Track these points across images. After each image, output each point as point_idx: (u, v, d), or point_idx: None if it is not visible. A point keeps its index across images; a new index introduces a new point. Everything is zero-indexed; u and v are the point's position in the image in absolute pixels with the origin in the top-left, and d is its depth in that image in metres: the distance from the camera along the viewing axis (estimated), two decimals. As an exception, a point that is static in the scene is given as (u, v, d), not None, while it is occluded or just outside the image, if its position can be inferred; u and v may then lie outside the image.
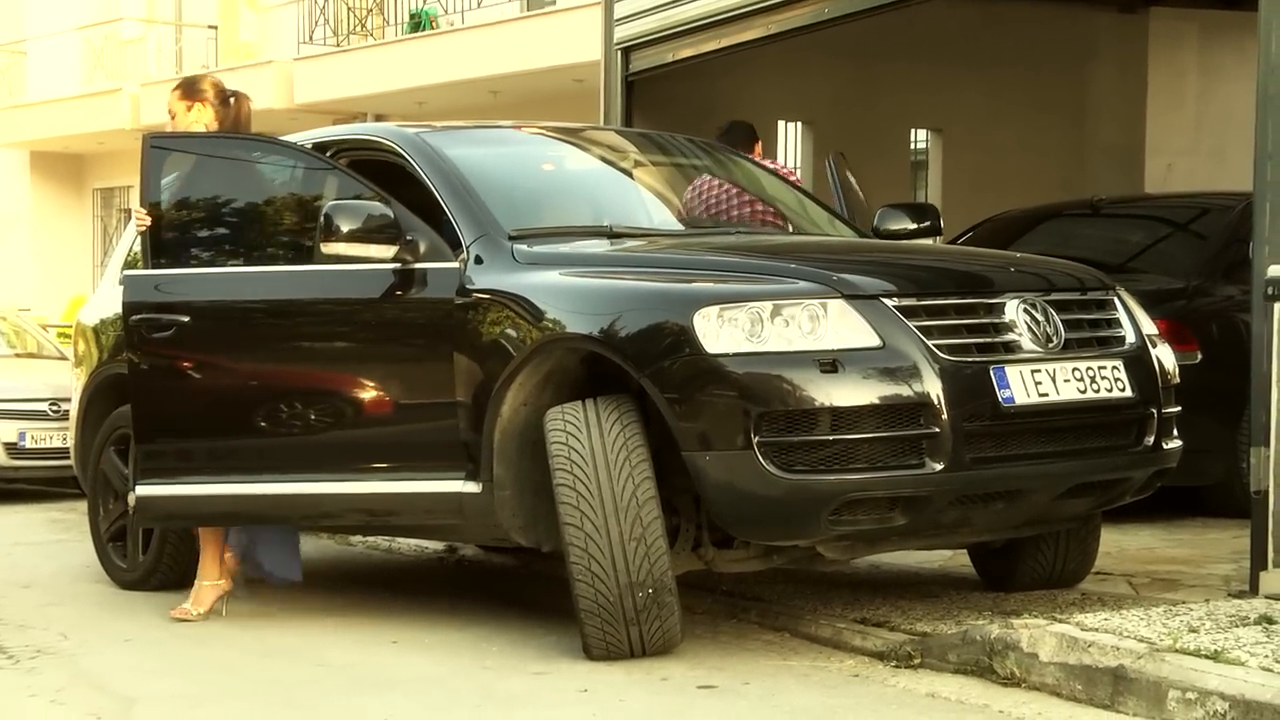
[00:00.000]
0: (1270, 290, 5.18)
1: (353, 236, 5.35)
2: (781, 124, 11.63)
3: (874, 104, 11.35)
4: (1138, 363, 5.09)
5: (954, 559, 6.24)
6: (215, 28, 21.95)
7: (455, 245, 5.45)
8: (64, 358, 11.50)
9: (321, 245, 5.41)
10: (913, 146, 12.66)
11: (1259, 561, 5.16)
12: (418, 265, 5.45)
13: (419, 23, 17.39)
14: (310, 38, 19.12)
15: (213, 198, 6.21)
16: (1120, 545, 6.47)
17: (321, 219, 5.40)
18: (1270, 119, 5.26)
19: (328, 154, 6.06)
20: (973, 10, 10.82)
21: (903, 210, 6.26)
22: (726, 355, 4.64)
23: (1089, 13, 11.66)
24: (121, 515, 6.61)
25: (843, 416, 4.58)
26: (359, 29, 18.90)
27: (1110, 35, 12.00)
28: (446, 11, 17.13)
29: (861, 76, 11.14)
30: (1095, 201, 8.47)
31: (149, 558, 6.46)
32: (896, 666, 4.70)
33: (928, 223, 6.22)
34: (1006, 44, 11.53)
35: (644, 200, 6.41)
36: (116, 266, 7.29)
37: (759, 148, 7.91)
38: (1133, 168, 11.85)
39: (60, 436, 10.23)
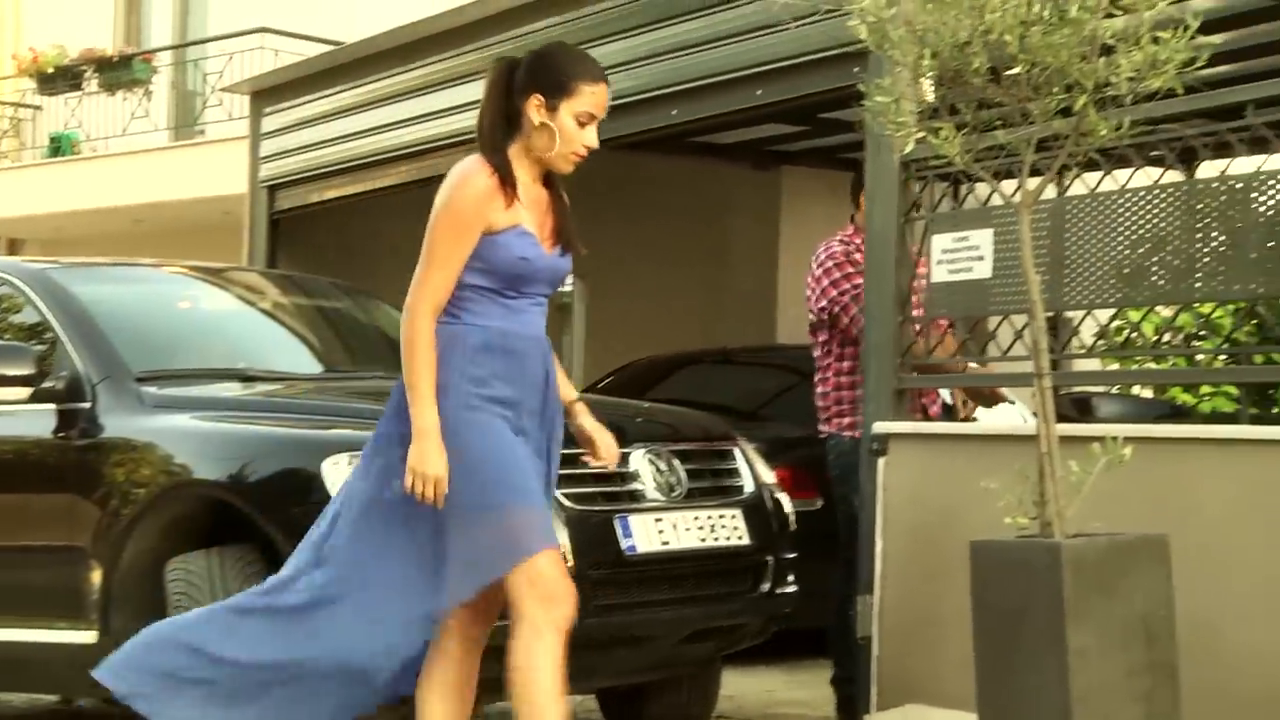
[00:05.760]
0: (875, 445, 5.51)
1: None
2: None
3: (518, 249, 11.50)
4: (755, 511, 5.30)
5: (583, 703, 6.31)
6: None
7: (80, 386, 5.32)
8: None
9: None
10: (558, 291, 12.88)
11: (864, 705, 5.41)
12: (40, 406, 5.32)
13: (59, 147, 16.89)
14: (-58, 157, 18.34)
15: None
16: (742, 688, 6.65)
17: None
18: (874, 285, 5.62)
19: None
20: (615, 162, 11.13)
21: None
22: (355, 503, 4.61)
23: (727, 168, 12.14)
24: None
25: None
26: (-6, 150, 18.23)
27: (746, 190, 12.50)
28: (89, 137, 16.68)
29: (505, 221, 11.30)
30: (728, 350, 8.83)
31: None
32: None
33: None
34: (648, 195, 11.91)
35: (282, 343, 6.36)
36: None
37: None
38: (767, 316, 12.35)
39: None
